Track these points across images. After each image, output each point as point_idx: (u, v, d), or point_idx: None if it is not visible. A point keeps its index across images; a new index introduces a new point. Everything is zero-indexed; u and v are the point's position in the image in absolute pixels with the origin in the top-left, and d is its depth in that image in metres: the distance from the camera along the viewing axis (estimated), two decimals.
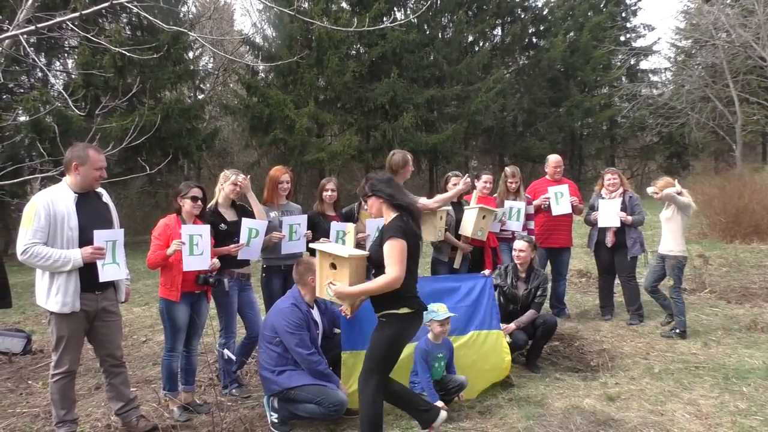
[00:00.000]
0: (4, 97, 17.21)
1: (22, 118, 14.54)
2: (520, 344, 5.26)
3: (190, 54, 20.55)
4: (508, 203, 6.51)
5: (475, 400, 4.68)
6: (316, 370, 4.17)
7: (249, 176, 4.96)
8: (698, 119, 23.21)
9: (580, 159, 28.89)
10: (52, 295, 3.65)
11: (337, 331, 4.72)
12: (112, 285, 3.96)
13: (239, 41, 22.97)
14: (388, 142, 20.65)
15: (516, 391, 4.81)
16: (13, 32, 5.06)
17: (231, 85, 23.76)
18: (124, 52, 5.23)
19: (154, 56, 14.16)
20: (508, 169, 6.81)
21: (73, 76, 17.85)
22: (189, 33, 4.52)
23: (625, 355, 5.66)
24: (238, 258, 4.80)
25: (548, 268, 7.35)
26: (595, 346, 5.96)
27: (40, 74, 18.52)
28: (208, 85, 23.86)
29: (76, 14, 4.38)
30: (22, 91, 17.85)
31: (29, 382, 5.43)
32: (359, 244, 5.31)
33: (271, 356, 4.21)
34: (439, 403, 4.26)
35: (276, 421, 4.16)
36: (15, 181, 7.20)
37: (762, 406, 4.37)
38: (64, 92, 7.09)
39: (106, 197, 4.01)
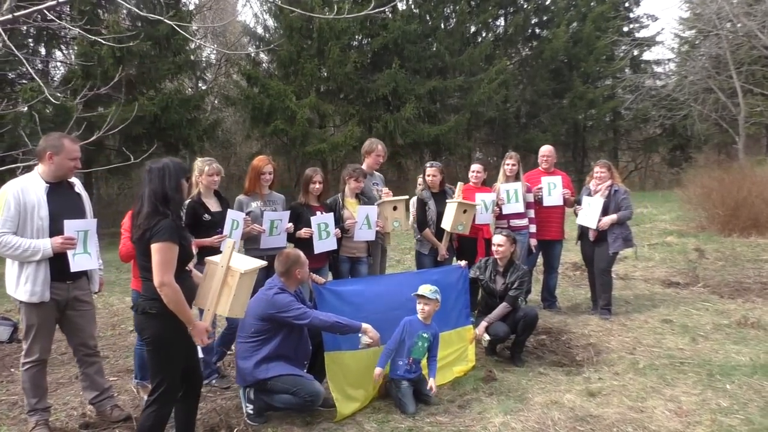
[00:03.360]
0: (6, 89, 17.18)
1: (24, 109, 14.55)
2: (501, 336, 5.21)
3: (191, 45, 20.50)
4: (503, 186, 6.48)
5: (456, 394, 4.65)
6: (334, 323, 4.16)
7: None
8: (701, 111, 22.96)
9: (583, 151, 28.65)
10: (21, 284, 3.64)
11: None
12: (84, 274, 3.94)
13: (240, 32, 22.88)
14: (390, 134, 20.57)
15: (497, 385, 4.78)
16: None
17: (234, 76, 23.70)
18: (102, 41, 5.09)
19: (133, 43, 13.90)
20: (507, 154, 6.78)
21: (74, 67, 17.78)
22: (172, 23, 4.45)
23: (612, 349, 5.61)
24: (221, 249, 4.76)
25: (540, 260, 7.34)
26: (582, 340, 5.91)
27: (40, 65, 18.56)
28: (210, 76, 23.81)
29: (53, 2, 4.34)
30: (24, 82, 17.84)
31: (12, 369, 5.42)
32: (346, 230, 5.37)
33: (247, 347, 4.18)
34: (378, 370, 4.39)
35: (251, 412, 4.15)
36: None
37: (744, 404, 4.31)
38: (41, 82, 6.90)
39: (79, 187, 3.98)
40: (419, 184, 6.38)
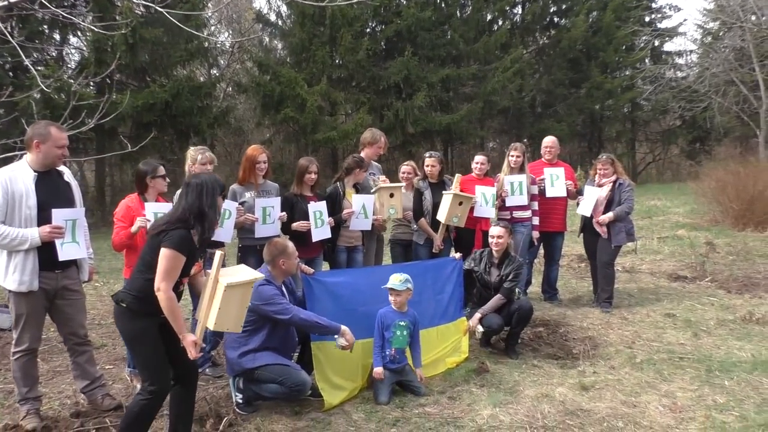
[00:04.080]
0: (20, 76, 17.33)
1: (37, 96, 14.69)
2: (494, 328, 5.16)
3: (204, 32, 20.53)
4: (507, 179, 6.40)
5: (447, 385, 4.62)
6: (314, 324, 4.15)
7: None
8: (722, 103, 22.55)
9: (599, 142, 28.28)
10: (10, 273, 3.65)
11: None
12: (74, 264, 3.95)
13: (253, 19, 22.86)
14: (401, 122, 20.52)
15: (489, 377, 4.74)
16: None
17: (247, 63, 23.72)
18: (92, 27, 5.08)
19: (120, 28, 13.88)
20: (511, 145, 6.69)
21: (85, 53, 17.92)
22: (159, 8, 4.42)
23: (610, 343, 5.53)
24: (212, 239, 4.75)
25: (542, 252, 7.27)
26: (581, 333, 5.84)
27: (54, 52, 18.71)
28: (223, 62, 23.85)
29: None
30: (40, 69, 18.00)
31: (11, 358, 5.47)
32: (344, 220, 5.34)
33: (235, 337, 4.17)
34: (378, 369, 4.37)
35: (241, 401, 4.15)
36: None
37: (740, 401, 4.22)
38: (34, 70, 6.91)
39: (68, 176, 3.98)
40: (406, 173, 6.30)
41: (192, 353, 3.29)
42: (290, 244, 4.38)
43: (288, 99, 19.13)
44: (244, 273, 3.56)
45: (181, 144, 17.96)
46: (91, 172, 22.28)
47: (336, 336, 4.18)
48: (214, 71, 23.11)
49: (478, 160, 6.39)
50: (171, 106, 17.01)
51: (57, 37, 18.50)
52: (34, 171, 3.74)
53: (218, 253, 3.38)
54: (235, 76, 22.90)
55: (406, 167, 6.05)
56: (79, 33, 19.30)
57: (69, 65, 19.22)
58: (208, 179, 3.43)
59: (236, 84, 21.97)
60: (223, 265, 3.49)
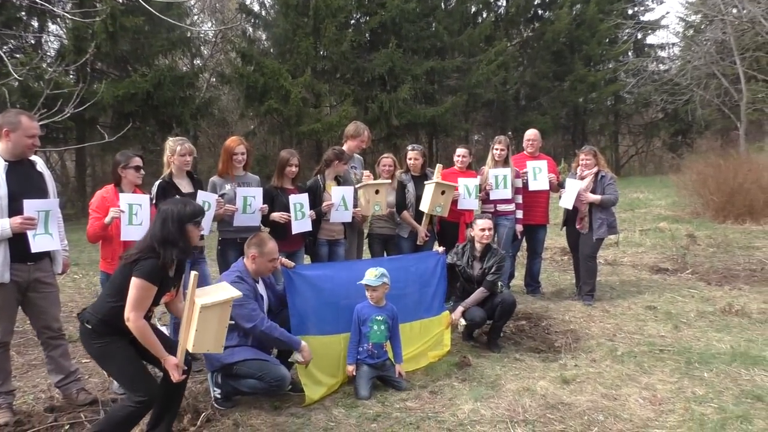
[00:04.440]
0: None
1: (15, 84, 14.40)
2: (477, 321, 5.14)
3: (187, 21, 20.23)
4: (492, 171, 6.36)
5: (428, 380, 4.60)
6: (276, 339, 4.08)
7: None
8: (703, 96, 22.76)
9: (583, 134, 28.43)
10: None
11: None
12: (47, 256, 3.86)
13: (236, 9, 22.57)
14: (386, 114, 20.43)
15: (471, 371, 4.72)
16: None
17: (230, 54, 23.46)
18: (66, 14, 4.95)
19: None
20: (495, 138, 6.65)
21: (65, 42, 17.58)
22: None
23: (591, 336, 5.55)
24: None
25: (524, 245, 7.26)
26: (563, 326, 5.85)
27: (32, 40, 18.34)
28: (206, 52, 23.54)
29: None
30: (17, 56, 17.65)
31: None
32: (324, 212, 5.28)
33: None
34: (350, 367, 4.38)
35: (219, 396, 4.09)
36: None
37: (719, 393, 4.25)
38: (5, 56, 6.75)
39: (41, 166, 3.88)
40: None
41: (174, 376, 3.28)
42: (270, 243, 4.26)
43: (272, 90, 18.92)
44: (221, 292, 3.50)
45: (163, 135, 17.68)
46: (72, 162, 21.96)
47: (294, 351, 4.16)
48: (197, 61, 22.82)
49: (460, 153, 6.36)
50: (153, 96, 16.75)
51: (35, 24, 18.13)
52: (5, 161, 3.63)
53: (193, 274, 3.32)
54: (219, 67, 22.62)
55: (386, 159, 5.95)
56: (58, 20, 18.98)
57: (48, 53, 18.85)
58: (175, 207, 3.38)
59: (219, 75, 21.69)
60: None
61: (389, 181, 5.82)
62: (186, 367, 3.41)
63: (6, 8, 15.78)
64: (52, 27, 19.43)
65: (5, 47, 17.11)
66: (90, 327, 3.28)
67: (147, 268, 3.19)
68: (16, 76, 5.68)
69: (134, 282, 3.17)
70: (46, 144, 17.03)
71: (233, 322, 3.88)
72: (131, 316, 3.16)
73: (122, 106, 16.34)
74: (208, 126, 22.32)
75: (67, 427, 3.79)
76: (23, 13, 17.04)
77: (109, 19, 15.48)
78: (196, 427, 3.74)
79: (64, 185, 21.87)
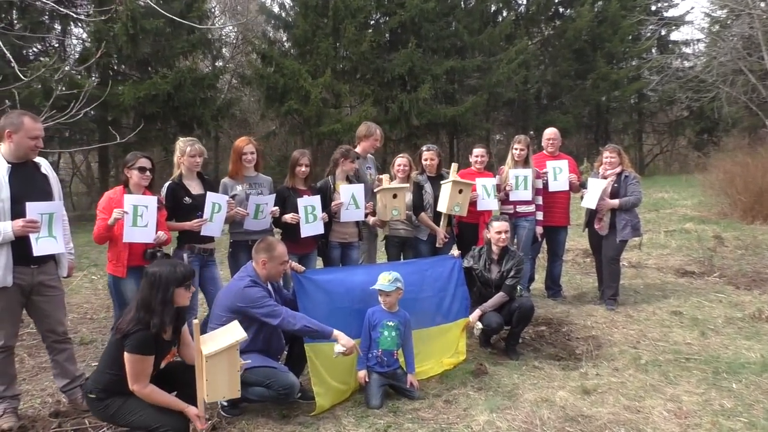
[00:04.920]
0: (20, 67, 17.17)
1: (39, 86, 14.57)
2: (493, 327, 4.97)
3: (208, 23, 20.29)
4: (513, 172, 6.21)
5: (443, 388, 4.45)
6: (303, 327, 3.94)
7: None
8: (730, 93, 22.16)
9: (606, 133, 27.91)
10: None
11: None
12: (52, 259, 3.80)
13: (257, 10, 22.62)
14: (406, 114, 20.28)
15: (487, 379, 4.55)
16: None
17: (252, 55, 23.49)
18: (81, 18, 4.91)
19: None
20: (515, 138, 6.47)
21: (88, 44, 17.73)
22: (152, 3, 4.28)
23: (614, 342, 5.34)
24: (201, 234, 4.61)
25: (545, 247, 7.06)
26: (584, 332, 5.65)
27: (56, 43, 18.57)
28: (227, 54, 23.63)
29: None
30: (41, 60, 17.85)
31: None
32: (334, 213, 5.15)
33: None
34: (362, 373, 4.24)
35: (226, 404, 3.98)
36: None
37: (749, 406, 4.03)
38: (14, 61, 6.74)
39: (45, 168, 3.81)
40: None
41: (198, 425, 3.30)
42: (279, 246, 4.16)
43: (292, 91, 18.91)
44: (226, 336, 3.43)
45: (184, 136, 17.71)
46: (96, 163, 22.19)
47: (334, 343, 4.02)
48: (218, 63, 22.91)
49: (477, 153, 6.18)
50: (174, 98, 16.81)
51: (58, 27, 18.32)
52: (8, 162, 3.57)
53: (194, 322, 3.26)
54: (239, 68, 22.69)
55: (401, 160, 5.75)
56: (80, 24, 19.17)
57: (72, 56, 19.06)
58: (164, 270, 3.32)
59: (240, 76, 21.76)
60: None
61: (407, 185, 5.63)
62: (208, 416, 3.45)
63: (29, 12, 15.95)
64: (75, 31, 19.67)
65: (31, 50, 17.40)
66: (94, 396, 3.31)
67: (137, 342, 3.17)
68: (24, 78, 5.64)
69: (127, 357, 3.17)
70: (70, 145, 17.26)
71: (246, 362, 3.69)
72: (135, 388, 3.21)
73: (143, 107, 16.42)
74: (230, 127, 22.36)
75: None
76: (46, 17, 17.21)
77: (129, 21, 15.58)
78: None
79: (89, 186, 22.14)
